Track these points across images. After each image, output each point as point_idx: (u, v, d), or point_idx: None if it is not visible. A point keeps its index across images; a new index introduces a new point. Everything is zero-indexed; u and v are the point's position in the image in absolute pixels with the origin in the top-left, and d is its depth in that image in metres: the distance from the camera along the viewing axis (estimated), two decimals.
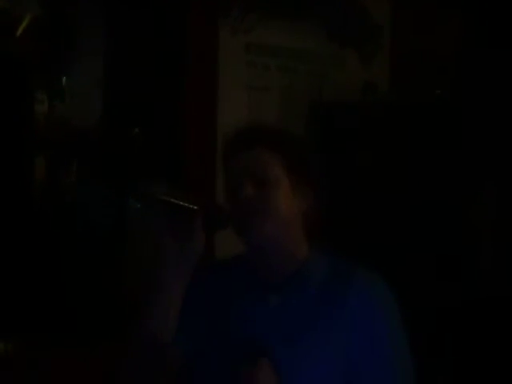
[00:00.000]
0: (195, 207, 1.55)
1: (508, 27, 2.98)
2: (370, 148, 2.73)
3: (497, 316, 2.60)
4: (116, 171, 2.88)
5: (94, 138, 2.95)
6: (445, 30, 3.08)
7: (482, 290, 2.62)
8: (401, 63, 3.06)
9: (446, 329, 2.60)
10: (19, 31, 2.84)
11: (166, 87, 2.90)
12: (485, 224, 2.61)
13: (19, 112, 2.84)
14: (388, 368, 1.58)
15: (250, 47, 2.93)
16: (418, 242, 2.63)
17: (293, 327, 1.60)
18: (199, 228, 1.55)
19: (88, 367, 2.44)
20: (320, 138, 2.78)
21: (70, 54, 2.98)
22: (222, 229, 1.59)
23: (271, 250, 1.63)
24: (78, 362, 2.44)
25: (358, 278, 1.62)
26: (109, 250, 2.85)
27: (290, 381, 1.55)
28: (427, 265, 2.60)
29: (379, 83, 3.04)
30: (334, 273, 1.64)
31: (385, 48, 3.13)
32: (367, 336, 1.57)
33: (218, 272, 1.74)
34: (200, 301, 1.67)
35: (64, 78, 3.01)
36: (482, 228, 2.61)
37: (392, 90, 3.00)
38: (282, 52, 2.99)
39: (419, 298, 2.49)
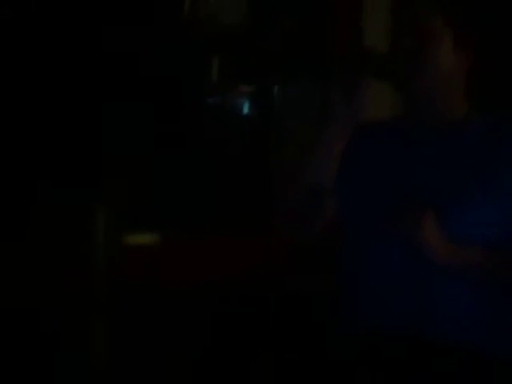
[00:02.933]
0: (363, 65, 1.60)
1: None
2: None
3: None
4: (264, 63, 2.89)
5: (240, 33, 2.96)
6: None
7: None
8: None
9: None
10: None
11: None
12: None
13: (166, 10, 2.87)
14: None
15: None
16: None
17: (450, 178, 1.63)
18: (366, 85, 1.61)
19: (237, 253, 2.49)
20: None
21: None
22: (386, 78, 1.63)
23: (430, 103, 1.66)
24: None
25: None
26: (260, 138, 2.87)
27: (450, 228, 1.58)
28: None
29: None
30: (493, 128, 1.66)
31: None
32: None
33: (376, 129, 1.79)
34: (358, 156, 1.74)
35: None
36: None
37: None
38: None
39: None
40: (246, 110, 2.91)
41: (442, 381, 1.58)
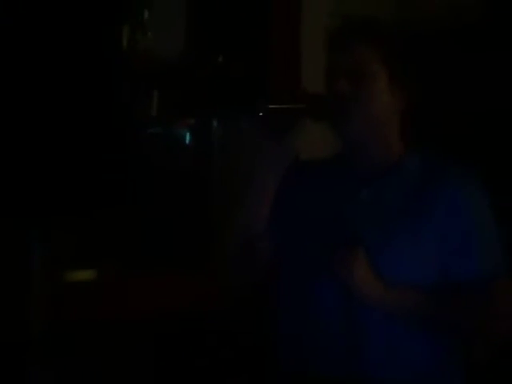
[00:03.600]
0: (298, 105, 1.61)
1: None
2: None
3: None
4: (200, 100, 2.90)
5: (177, 69, 2.97)
6: None
7: None
8: None
9: None
10: None
11: (249, 14, 2.90)
12: None
13: (104, 45, 2.87)
14: (478, 256, 1.61)
15: None
16: None
17: (386, 218, 1.64)
18: (301, 126, 1.62)
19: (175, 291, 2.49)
20: None
21: None
22: (322, 119, 1.64)
23: (365, 144, 1.67)
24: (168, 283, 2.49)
25: (453, 172, 1.66)
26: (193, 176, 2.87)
27: (383, 270, 1.59)
28: None
29: None
30: (428, 168, 1.67)
31: None
32: (458, 225, 1.61)
33: (312, 168, 1.80)
34: (292, 195, 1.73)
35: (146, 11, 3.03)
36: None
37: None
38: None
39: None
40: (185, 144, 2.92)
41: None
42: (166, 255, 2.56)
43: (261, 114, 1.62)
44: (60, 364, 2.14)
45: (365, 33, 1.67)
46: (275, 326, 1.73)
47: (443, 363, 1.66)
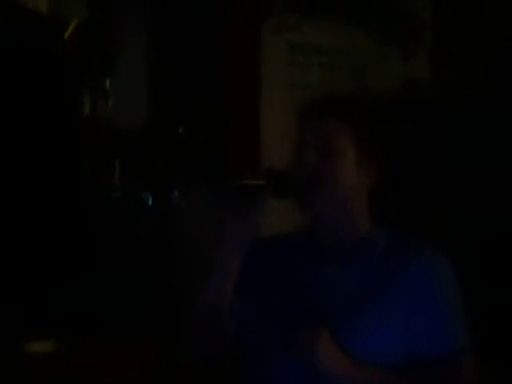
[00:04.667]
0: (261, 182, 1.60)
1: None
2: None
3: None
4: (161, 170, 2.91)
5: (138, 139, 2.98)
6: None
7: None
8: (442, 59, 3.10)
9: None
10: (67, 34, 2.89)
11: (209, 87, 2.94)
12: None
13: (65, 114, 2.88)
14: (445, 333, 1.61)
15: (292, 46, 2.99)
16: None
17: (352, 297, 1.61)
18: (264, 201, 1.60)
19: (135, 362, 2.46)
20: None
21: (114, 57, 3.02)
22: (286, 196, 1.62)
23: (331, 219, 1.65)
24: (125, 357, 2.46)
25: (420, 250, 1.65)
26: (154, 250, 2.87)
27: (349, 347, 1.58)
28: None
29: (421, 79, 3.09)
30: (395, 245, 1.66)
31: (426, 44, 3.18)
32: (425, 302, 1.60)
33: (277, 244, 1.77)
34: (257, 271, 1.71)
35: (108, 80, 3.06)
36: None
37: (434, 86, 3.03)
38: (325, 50, 3.04)
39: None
40: (146, 213, 2.91)
41: None
42: (125, 326, 2.53)
43: (223, 188, 1.61)
44: None
45: (335, 107, 1.65)
46: None
47: None
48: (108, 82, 3.04)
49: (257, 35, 2.91)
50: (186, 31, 2.95)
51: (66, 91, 2.87)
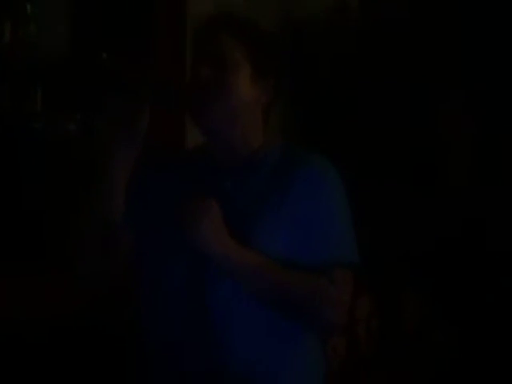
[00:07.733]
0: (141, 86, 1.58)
1: None
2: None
3: None
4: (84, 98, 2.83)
5: (60, 65, 2.90)
6: None
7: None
8: None
9: None
10: None
11: (133, 10, 2.85)
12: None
13: None
14: (331, 240, 1.64)
15: None
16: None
17: (249, 209, 1.64)
18: (145, 107, 1.58)
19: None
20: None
21: None
22: (171, 107, 1.64)
23: (224, 135, 1.67)
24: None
25: (310, 159, 1.68)
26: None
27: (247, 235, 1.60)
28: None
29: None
30: (287, 157, 1.69)
31: None
32: (314, 209, 1.64)
33: (173, 160, 1.79)
34: (149, 186, 1.72)
35: (29, 6, 2.95)
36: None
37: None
38: None
39: None
40: (69, 139, 2.83)
41: None
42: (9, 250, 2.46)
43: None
44: None
45: (230, 24, 1.68)
46: (138, 321, 1.70)
47: (300, 359, 1.67)
48: (29, 7, 2.94)
49: None
50: None
51: None
